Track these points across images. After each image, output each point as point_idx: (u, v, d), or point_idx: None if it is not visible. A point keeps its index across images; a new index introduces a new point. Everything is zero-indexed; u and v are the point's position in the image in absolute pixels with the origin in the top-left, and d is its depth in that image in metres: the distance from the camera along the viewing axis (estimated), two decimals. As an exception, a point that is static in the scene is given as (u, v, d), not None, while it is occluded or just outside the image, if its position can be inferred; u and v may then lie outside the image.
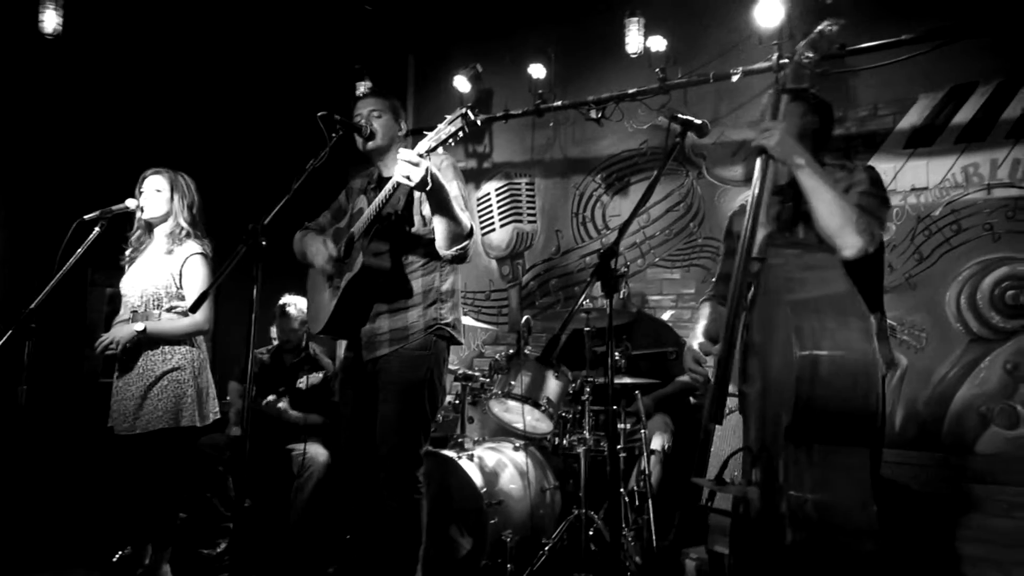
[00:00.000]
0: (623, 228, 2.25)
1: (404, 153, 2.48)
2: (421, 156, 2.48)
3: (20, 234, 4.41)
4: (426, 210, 2.78)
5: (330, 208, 3.14)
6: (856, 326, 1.88)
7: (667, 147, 2.31)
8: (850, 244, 2.15)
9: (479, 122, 2.60)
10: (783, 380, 1.89)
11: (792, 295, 1.93)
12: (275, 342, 4.55)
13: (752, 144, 2.23)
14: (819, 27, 2.15)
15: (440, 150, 2.80)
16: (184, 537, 3.41)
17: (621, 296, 4.11)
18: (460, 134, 2.53)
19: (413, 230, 2.85)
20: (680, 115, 2.36)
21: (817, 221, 2.19)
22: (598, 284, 2.22)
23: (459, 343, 2.97)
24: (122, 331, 3.08)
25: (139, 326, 3.05)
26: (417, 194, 2.77)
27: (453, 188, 2.73)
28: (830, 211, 2.16)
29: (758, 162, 2.19)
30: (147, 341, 3.08)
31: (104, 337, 3.11)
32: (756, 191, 2.17)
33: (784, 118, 2.22)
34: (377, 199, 2.74)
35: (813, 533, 1.84)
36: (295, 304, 4.35)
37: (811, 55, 2.16)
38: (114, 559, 3.37)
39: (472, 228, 2.74)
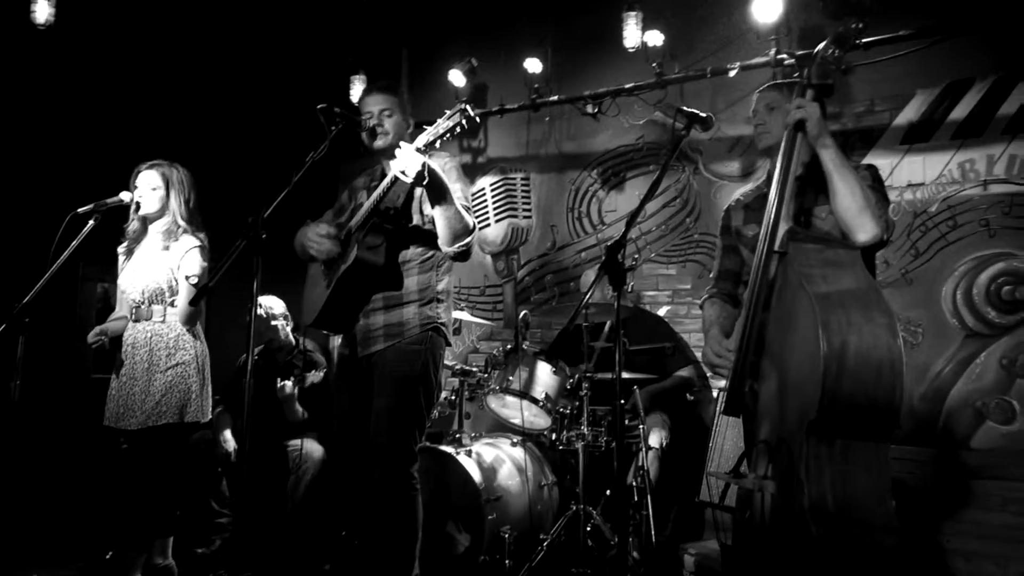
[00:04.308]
0: (630, 221, 2.24)
1: (403, 147, 2.47)
2: (419, 150, 2.47)
3: (11, 227, 4.35)
4: (426, 208, 2.77)
5: (333, 207, 3.12)
6: (881, 321, 1.89)
7: (672, 140, 2.29)
8: (867, 228, 2.16)
9: (477, 118, 2.60)
10: (806, 375, 1.89)
11: (815, 288, 1.93)
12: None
13: (787, 120, 2.22)
14: (846, 23, 2.15)
15: (445, 152, 2.81)
16: (179, 535, 3.38)
17: (628, 290, 4.10)
18: (458, 129, 2.53)
19: (411, 226, 2.83)
20: (685, 109, 2.35)
21: (837, 203, 2.18)
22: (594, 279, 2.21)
23: (450, 344, 2.98)
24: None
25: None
26: (417, 191, 2.76)
27: (456, 190, 2.72)
28: (852, 192, 2.16)
29: (785, 138, 2.19)
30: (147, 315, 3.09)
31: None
32: (780, 173, 2.17)
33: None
34: (375, 193, 2.73)
35: (833, 527, 1.84)
36: (261, 304, 4.28)
37: (837, 51, 2.16)
38: (107, 557, 3.34)
39: (475, 225, 2.73)
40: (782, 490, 2.02)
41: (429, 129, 2.56)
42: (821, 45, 2.22)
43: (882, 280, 3.92)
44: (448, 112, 2.54)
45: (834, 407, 1.88)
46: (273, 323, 4.30)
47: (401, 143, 2.53)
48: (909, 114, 3.97)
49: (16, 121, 4.29)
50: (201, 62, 4.90)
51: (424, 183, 2.50)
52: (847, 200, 2.17)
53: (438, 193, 2.59)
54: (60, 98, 4.42)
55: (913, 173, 3.95)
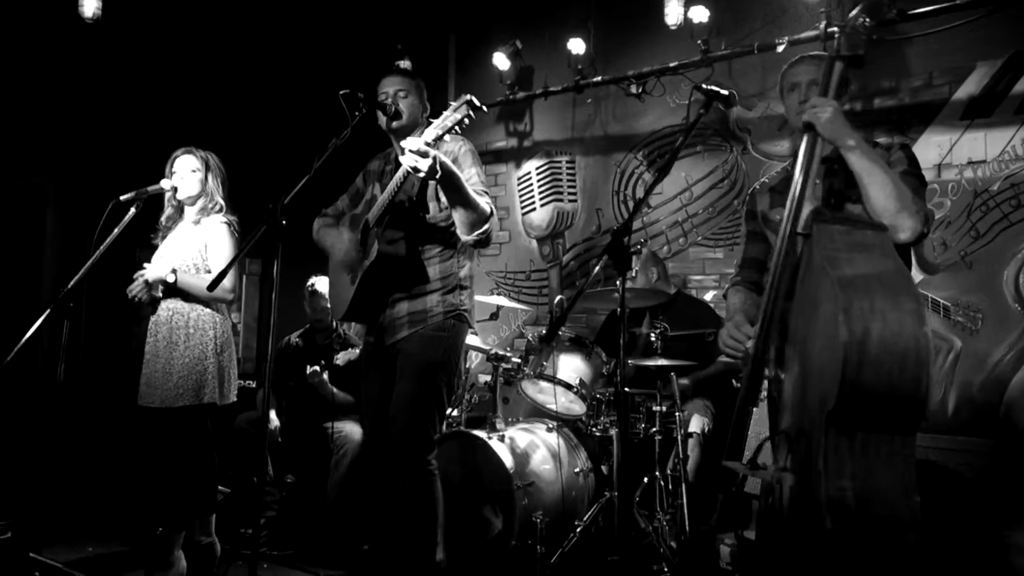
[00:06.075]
0: (637, 206, 2.18)
1: (411, 142, 2.43)
2: (428, 145, 2.44)
3: (71, 212, 4.51)
4: (442, 196, 2.75)
5: (348, 191, 3.13)
6: (908, 307, 1.77)
7: (688, 120, 2.21)
8: (907, 227, 2.06)
9: (484, 108, 2.59)
10: (826, 363, 1.81)
11: (838, 272, 1.83)
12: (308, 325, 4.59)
13: (800, 120, 2.12)
14: None
15: (460, 136, 2.77)
16: (223, 513, 3.46)
17: (656, 277, 4.01)
18: (466, 121, 2.50)
19: (429, 217, 2.82)
20: (705, 86, 2.26)
21: (870, 203, 2.09)
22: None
23: (472, 328, 2.97)
24: (153, 271, 3.10)
25: (171, 276, 3.07)
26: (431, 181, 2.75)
27: (472, 175, 2.70)
28: (886, 194, 2.06)
29: (805, 138, 2.08)
30: (173, 292, 3.10)
31: (137, 279, 3.13)
32: (802, 168, 2.07)
33: (834, 88, 2.11)
34: (389, 186, 2.72)
35: (852, 523, 1.76)
36: (323, 283, 4.38)
37: (868, 20, 2.03)
38: (157, 532, 3.45)
39: (492, 211, 2.69)
40: (801, 482, 1.94)
41: (436, 122, 2.55)
42: (852, 13, 2.10)
43: (940, 262, 3.74)
44: (454, 104, 2.51)
45: (854, 397, 1.79)
46: (326, 304, 4.39)
47: (410, 139, 2.48)
48: (970, 87, 3.75)
49: (71, 110, 4.44)
50: (247, 49, 4.99)
51: (436, 177, 2.48)
52: (881, 202, 2.07)
53: (452, 187, 2.56)
54: (109, 88, 4.56)
55: (974, 150, 3.73)
